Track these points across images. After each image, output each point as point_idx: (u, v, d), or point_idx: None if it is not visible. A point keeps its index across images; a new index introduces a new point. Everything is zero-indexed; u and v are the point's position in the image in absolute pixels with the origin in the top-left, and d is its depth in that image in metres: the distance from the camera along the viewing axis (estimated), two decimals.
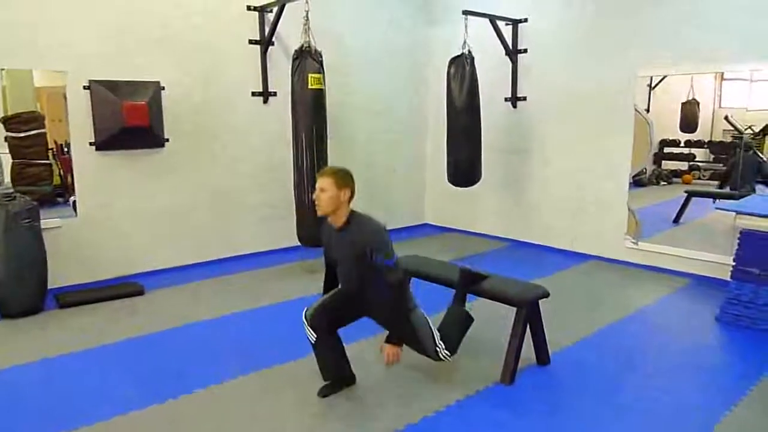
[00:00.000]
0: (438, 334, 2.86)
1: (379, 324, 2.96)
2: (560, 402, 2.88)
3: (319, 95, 4.79)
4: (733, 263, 3.82)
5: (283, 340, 3.52)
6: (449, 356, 2.86)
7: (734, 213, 3.97)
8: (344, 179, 2.70)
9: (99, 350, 3.47)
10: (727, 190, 5.39)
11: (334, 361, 2.92)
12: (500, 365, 3.04)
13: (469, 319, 3.02)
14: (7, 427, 2.66)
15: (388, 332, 2.85)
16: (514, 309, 3.09)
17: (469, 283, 3.17)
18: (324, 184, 2.68)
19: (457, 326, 2.98)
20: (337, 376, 2.94)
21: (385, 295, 2.74)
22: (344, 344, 2.95)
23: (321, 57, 4.81)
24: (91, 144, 4.58)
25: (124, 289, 4.49)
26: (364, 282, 2.79)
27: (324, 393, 2.88)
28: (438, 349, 2.83)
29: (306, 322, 2.86)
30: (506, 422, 2.67)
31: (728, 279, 3.90)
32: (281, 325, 3.80)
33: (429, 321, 2.88)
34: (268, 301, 4.30)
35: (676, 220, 5.90)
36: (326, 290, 3.02)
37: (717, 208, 4.26)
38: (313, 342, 2.87)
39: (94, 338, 3.62)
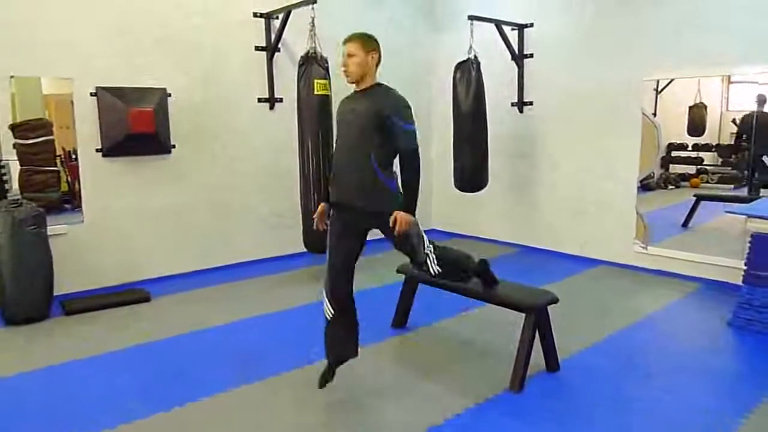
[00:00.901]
0: (433, 245, 2.77)
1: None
2: (570, 409, 2.83)
3: (325, 101, 4.78)
4: (745, 267, 3.77)
5: (289, 347, 3.50)
6: (435, 267, 2.74)
7: (745, 216, 3.92)
8: (371, 42, 2.61)
9: (105, 357, 3.45)
10: (737, 192, 5.35)
11: (344, 340, 2.85)
12: (509, 372, 3.00)
13: (468, 262, 2.96)
14: None
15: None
16: (523, 315, 3.06)
17: (482, 273, 3.13)
18: (352, 48, 2.57)
19: (456, 256, 2.92)
20: (340, 359, 2.88)
21: (382, 174, 2.55)
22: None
23: (327, 63, 4.81)
24: (97, 150, 4.59)
25: (131, 295, 4.48)
26: (362, 154, 2.55)
27: (322, 382, 2.84)
28: (428, 253, 2.71)
29: (326, 295, 2.77)
30: (515, 431, 2.63)
31: (740, 283, 3.85)
32: (287, 333, 3.78)
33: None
34: (274, 308, 4.27)
35: (685, 224, 5.84)
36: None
37: (727, 212, 4.21)
38: (329, 318, 2.81)
39: (99, 345, 3.60)
